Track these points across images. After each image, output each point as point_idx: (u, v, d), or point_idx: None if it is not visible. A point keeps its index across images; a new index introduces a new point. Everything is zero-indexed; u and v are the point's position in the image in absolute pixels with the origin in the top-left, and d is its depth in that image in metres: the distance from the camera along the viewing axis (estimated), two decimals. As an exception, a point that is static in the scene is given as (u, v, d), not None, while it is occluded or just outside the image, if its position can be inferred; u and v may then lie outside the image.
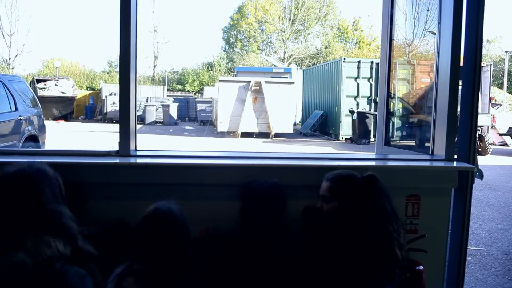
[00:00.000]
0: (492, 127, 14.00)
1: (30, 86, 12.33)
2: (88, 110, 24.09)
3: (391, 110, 3.40)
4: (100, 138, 14.88)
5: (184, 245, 1.77)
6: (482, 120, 12.40)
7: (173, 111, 21.83)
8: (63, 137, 14.30)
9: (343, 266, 1.86)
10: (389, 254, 1.88)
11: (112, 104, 21.33)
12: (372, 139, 14.98)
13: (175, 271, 1.71)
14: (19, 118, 6.92)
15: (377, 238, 1.88)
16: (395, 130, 3.57)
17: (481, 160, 4.26)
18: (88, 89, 29.26)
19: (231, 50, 39.07)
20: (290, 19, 34.84)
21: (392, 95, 3.32)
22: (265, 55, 35.67)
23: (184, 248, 1.77)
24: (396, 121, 3.58)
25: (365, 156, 2.95)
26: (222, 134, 16.84)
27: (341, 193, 2.01)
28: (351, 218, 1.93)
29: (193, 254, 1.80)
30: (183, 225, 1.80)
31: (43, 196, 1.52)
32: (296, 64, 32.73)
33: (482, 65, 6.32)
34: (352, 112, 15.63)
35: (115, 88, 22.13)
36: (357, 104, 16.22)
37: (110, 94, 21.79)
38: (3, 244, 1.34)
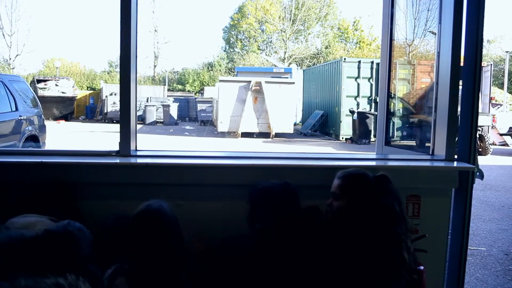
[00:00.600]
0: (492, 127, 14.00)
1: (31, 86, 12.34)
2: (89, 110, 24.10)
3: (392, 110, 3.40)
4: (101, 138, 14.88)
5: (175, 244, 1.76)
6: (482, 120, 12.39)
7: (174, 111, 21.82)
8: (64, 137, 14.30)
9: (350, 265, 1.84)
10: (397, 256, 1.87)
11: (112, 104, 21.34)
12: (372, 139, 14.96)
13: (166, 270, 1.69)
14: (19, 118, 6.93)
15: (385, 239, 1.86)
16: (395, 130, 3.57)
17: (482, 160, 4.25)
18: (89, 89, 29.27)
19: (232, 50, 39.07)
20: (290, 19, 34.82)
21: (392, 95, 3.32)
22: (266, 55, 35.64)
23: (175, 246, 1.75)
24: (397, 121, 3.58)
25: (365, 156, 2.95)
26: (223, 134, 16.83)
27: (352, 191, 1.99)
28: (360, 217, 1.91)
29: (186, 253, 1.78)
30: (174, 224, 1.79)
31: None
32: (297, 64, 32.71)
33: (482, 65, 6.32)
34: (352, 112, 15.62)
35: (116, 88, 22.13)
36: (358, 104, 16.21)
37: (111, 94, 21.79)
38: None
